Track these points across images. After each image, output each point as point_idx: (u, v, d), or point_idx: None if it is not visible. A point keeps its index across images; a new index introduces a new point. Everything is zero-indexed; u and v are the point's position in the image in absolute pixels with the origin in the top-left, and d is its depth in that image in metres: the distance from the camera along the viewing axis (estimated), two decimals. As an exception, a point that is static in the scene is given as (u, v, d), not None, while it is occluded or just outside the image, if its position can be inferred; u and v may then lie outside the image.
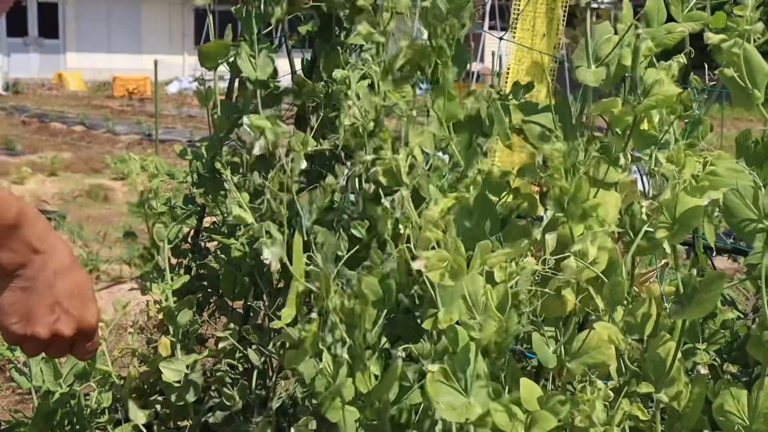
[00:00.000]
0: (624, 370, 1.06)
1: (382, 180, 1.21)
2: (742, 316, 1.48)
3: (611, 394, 0.97)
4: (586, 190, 1.02)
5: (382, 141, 1.22)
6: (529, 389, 1.02)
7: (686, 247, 1.60)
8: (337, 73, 1.33)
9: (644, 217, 1.03)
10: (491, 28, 13.28)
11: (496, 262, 0.97)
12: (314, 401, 1.74)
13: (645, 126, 1.14)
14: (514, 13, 3.61)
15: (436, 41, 1.26)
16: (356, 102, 1.28)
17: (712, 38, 0.99)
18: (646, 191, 1.27)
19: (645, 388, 1.01)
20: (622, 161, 1.08)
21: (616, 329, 1.03)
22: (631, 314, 1.05)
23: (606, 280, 1.03)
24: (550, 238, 1.03)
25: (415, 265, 1.12)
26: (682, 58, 1.12)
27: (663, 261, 1.14)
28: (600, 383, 0.97)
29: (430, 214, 1.00)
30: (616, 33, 1.18)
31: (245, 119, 1.25)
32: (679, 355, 1.03)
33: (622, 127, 1.13)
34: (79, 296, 1.06)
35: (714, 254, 1.78)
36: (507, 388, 1.06)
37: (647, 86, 1.08)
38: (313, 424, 1.39)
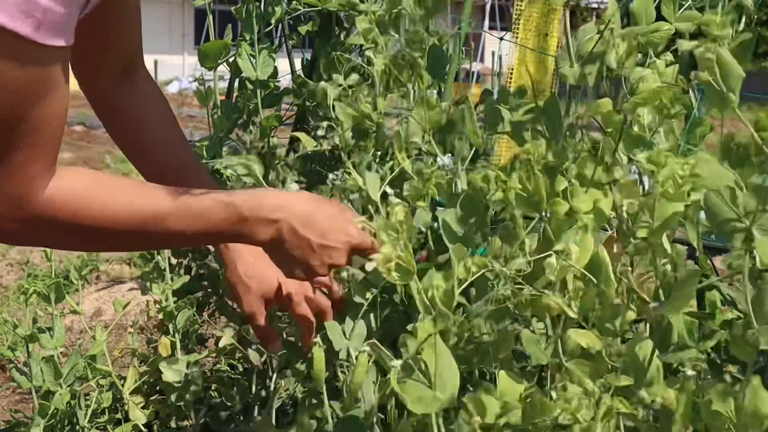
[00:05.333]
0: (611, 368, 1.06)
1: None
2: (742, 316, 1.48)
3: (596, 390, 0.98)
4: (543, 189, 1.02)
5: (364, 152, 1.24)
6: (506, 383, 1.04)
7: (687, 247, 1.59)
8: (320, 84, 1.36)
9: (625, 215, 1.03)
10: (491, 28, 13.28)
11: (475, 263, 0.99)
12: (314, 401, 1.74)
13: (635, 127, 1.14)
14: (515, 13, 3.61)
15: (409, 52, 1.28)
16: (332, 114, 1.30)
17: (684, 45, 0.99)
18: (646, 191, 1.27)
19: (625, 381, 1.01)
20: (608, 160, 1.07)
21: (593, 335, 1.03)
22: (611, 318, 1.05)
23: (593, 279, 1.03)
24: (529, 239, 1.05)
25: (368, 266, 1.15)
26: (669, 56, 1.12)
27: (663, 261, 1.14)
28: (583, 380, 0.98)
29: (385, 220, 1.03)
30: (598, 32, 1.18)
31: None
32: (657, 353, 1.04)
33: (614, 127, 1.13)
34: (335, 228, 1.18)
35: (714, 254, 1.78)
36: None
37: (633, 84, 1.08)
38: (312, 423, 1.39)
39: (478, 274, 1.00)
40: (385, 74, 1.31)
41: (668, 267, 1.03)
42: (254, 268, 1.35)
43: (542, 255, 1.02)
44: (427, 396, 0.99)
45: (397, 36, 1.31)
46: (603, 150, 1.11)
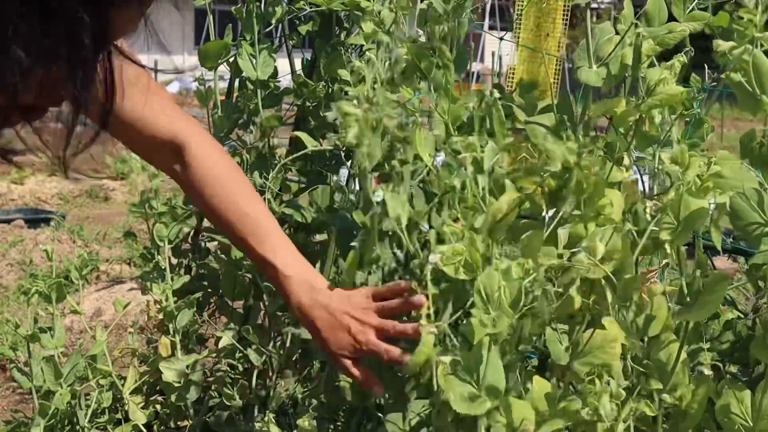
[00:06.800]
0: (630, 369, 1.06)
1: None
2: (742, 316, 1.48)
3: (622, 392, 0.97)
4: (602, 188, 1.03)
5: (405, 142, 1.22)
6: (540, 387, 1.03)
7: (686, 246, 1.59)
8: (343, 72, 1.32)
9: (648, 217, 1.03)
10: (491, 28, 13.26)
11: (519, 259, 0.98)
12: (314, 401, 1.74)
13: (647, 126, 1.13)
14: (516, 13, 3.60)
15: (436, 44, 1.26)
16: (370, 97, 1.25)
17: (722, 45, 0.99)
18: (646, 192, 1.27)
19: (654, 384, 1.01)
20: (626, 161, 1.08)
21: (623, 327, 1.03)
22: (639, 314, 1.05)
23: (613, 279, 1.03)
24: (563, 233, 1.03)
25: (431, 258, 1.11)
26: (683, 57, 1.12)
27: (664, 261, 1.14)
28: (608, 380, 0.98)
29: (498, 206, 1.02)
30: (617, 33, 1.18)
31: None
32: (684, 356, 1.03)
33: (626, 127, 1.13)
34: None
35: (714, 254, 1.78)
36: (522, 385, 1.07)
37: (650, 85, 1.08)
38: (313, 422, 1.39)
39: (535, 274, 0.98)
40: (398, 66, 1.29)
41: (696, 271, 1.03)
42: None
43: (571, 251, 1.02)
44: (473, 397, 0.97)
45: (420, 31, 1.30)
46: (620, 149, 1.11)
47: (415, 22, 1.32)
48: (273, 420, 1.26)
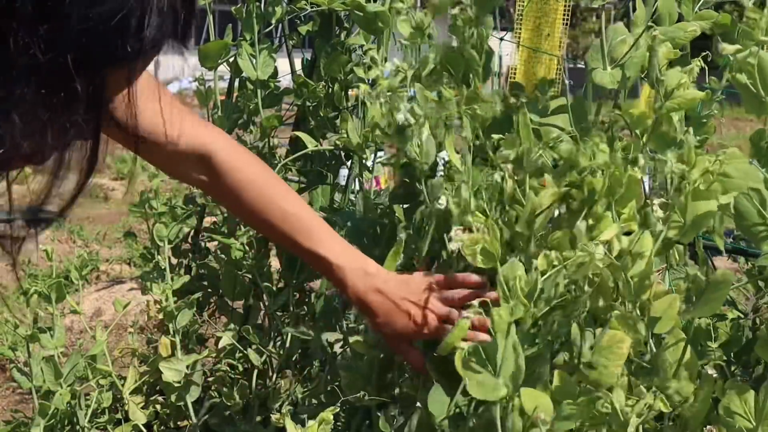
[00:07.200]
0: (640, 366, 1.07)
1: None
2: (742, 316, 1.48)
3: (643, 389, 0.98)
4: (635, 189, 1.04)
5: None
6: (562, 380, 1.03)
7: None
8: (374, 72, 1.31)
9: (656, 217, 1.03)
10: (491, 28, 13.26)
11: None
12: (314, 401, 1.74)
13: (665, 127, 1.14)
14: (517, 13, 3.60)
15: (465, 49, 1.26)
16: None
17: (727, 48, 1.00)
18: (647, 192, 1.27)
19: (674, 383, 1.01)
20: (641, 162, 1.08)
21: (636, 322, 1.03)
22: (647, 312, 1.05)
23: (622, 273, 1.03)
24: (582, 226, 1.03)
25: (451, 246, 1.13)
26: (700, 61, 1.12)
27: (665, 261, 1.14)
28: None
29: (539, 200, 1.03)
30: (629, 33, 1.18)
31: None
32: (691, 354, 1.04)
33: (642, 129, 1.13)
34: None
35: (714, 254, 1.78)
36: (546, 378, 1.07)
37: (668, 89, 1.08)
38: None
39: (559, 267, 0.99)
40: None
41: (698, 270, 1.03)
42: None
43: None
44: (490, 383, 0.98)
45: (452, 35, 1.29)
46: (634, 150, 1.12)
47: (446, 25, 1.31)
48: (289, 414, 1.25)
